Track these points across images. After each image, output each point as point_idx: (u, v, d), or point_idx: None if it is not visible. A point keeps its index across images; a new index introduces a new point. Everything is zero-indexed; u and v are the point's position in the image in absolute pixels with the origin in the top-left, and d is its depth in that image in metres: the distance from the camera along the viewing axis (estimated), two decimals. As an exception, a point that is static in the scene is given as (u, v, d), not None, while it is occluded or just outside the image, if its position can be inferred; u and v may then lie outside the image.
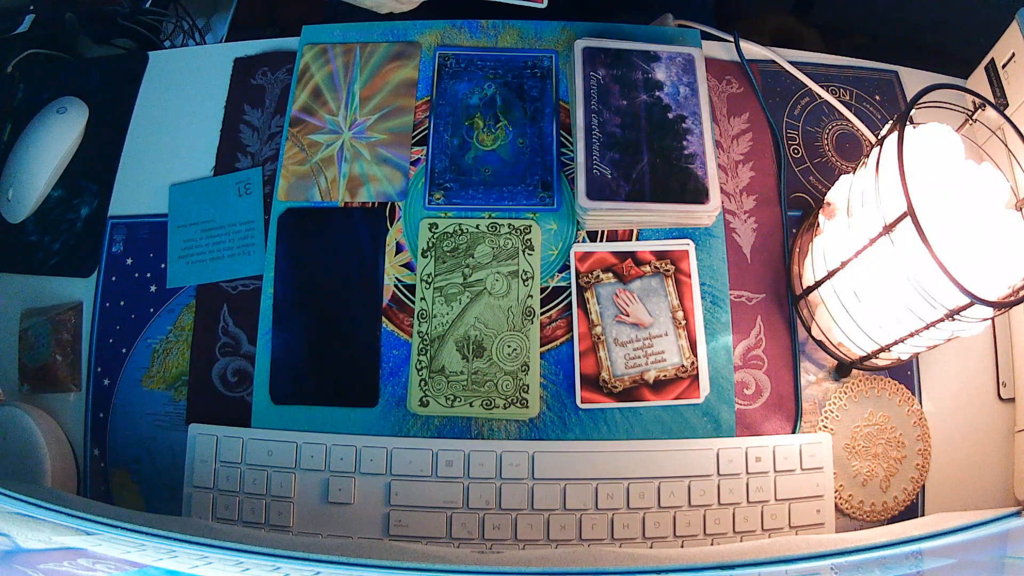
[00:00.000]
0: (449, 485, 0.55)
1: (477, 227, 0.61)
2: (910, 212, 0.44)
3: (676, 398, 0.56)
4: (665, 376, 0.57)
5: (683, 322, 0.58)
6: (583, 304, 0.58)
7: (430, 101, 0.65)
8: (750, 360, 0.59)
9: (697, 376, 0.57)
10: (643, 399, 0.56)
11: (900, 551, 0.46)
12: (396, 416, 0.57)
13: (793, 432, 0.58)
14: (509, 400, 0.57)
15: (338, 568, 0.42)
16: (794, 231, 0.63)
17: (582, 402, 0.56)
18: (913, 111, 0.48)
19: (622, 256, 0.59)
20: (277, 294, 0.60)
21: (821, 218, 0.58)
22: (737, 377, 0.58)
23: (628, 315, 0.57)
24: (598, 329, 0.57)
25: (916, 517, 0.57)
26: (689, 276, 0.59)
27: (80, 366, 0.61)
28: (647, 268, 0.59)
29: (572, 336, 0.58)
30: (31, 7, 0.82)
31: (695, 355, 0.57)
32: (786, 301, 0.61)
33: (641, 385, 0.57)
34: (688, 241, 0.60)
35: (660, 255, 0.59)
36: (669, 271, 0.59)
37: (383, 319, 0.59)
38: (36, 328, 0.62)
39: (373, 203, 0.62)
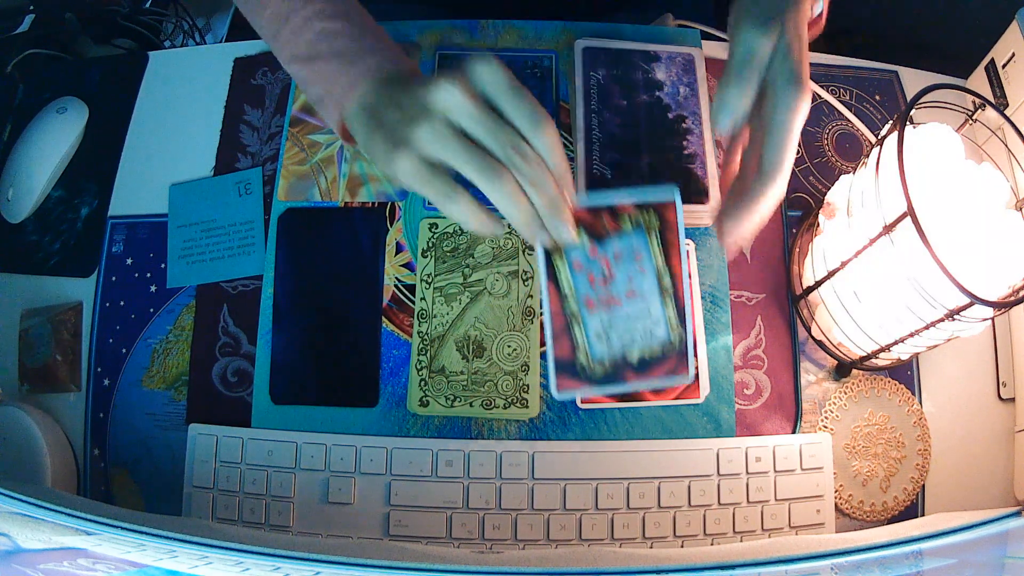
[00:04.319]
0: (449, 485, 0.55)
1: (477, 227, 0.61)
2: (910, 212, 0.44)
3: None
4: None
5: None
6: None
7: (430, 101, 0.65)
8: (750, 360, 0.59)
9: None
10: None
11: (900, 551, 0.46)
12: (396, 416, 0.57)
13: (793, 432, 0.58)
14: (509, 400, 0.57)
15: (338, 568, 0.42)
16: (794, 231, 0.63)
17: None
18: (913, 111, 0.48)
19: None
20: (277, 294, 0.60)
21: (821, 218, 0.58)
22: (737, 377, 0.58)
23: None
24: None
25: (916, 517, 0.57)
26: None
27: (80, 366, 0.61)
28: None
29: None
30: (31, 7, 0.82)
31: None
32: (786, 301, 0.61)
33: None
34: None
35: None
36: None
37: (383, 319, 0.59)
38: (36, 328, 0.63)
39: (373, 203, 0.62)
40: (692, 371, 0.49)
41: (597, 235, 0.47)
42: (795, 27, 0.47)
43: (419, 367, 0.58)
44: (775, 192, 0.45)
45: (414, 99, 0.44)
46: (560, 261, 0.47)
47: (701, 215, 0.60)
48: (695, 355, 0.50)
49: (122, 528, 0.44)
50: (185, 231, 0.63)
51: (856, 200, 0.51)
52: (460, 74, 0.43)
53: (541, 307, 0.50)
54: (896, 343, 0.52)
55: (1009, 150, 0.57)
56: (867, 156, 0.52)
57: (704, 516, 0.55)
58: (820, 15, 0.53)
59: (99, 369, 0.61)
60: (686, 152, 0.61)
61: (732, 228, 0.47)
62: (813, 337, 0.59)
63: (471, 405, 0.57)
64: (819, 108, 0.67)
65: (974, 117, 0.54)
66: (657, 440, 0.56)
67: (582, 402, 0.56)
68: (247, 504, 0.55)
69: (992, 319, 0.51)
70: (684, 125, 0.62)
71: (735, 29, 0.47)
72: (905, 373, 0.60)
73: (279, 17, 0.53)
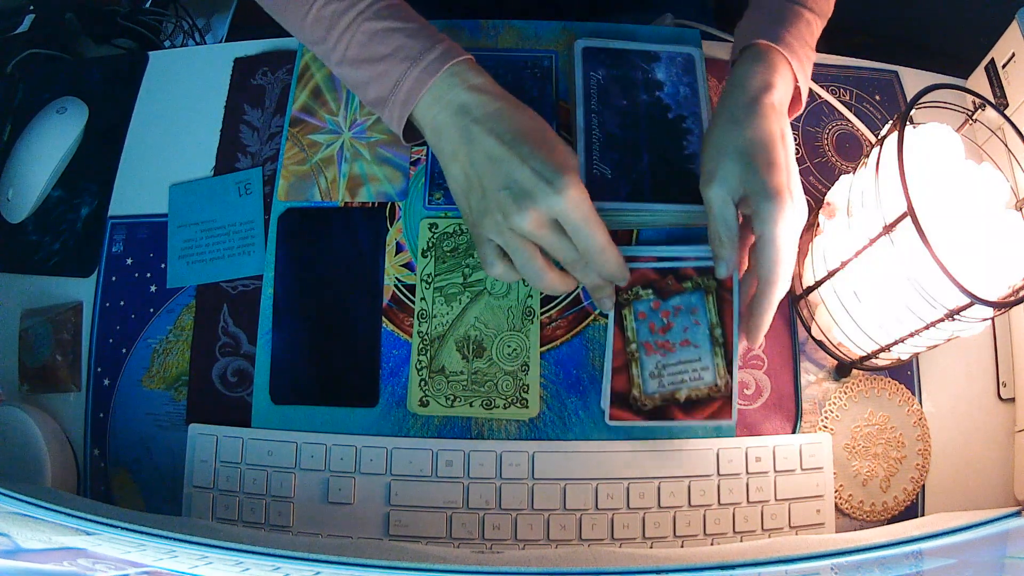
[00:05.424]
0: (449, 485, 0.55)
1: (477, 227, 0.61)
2: (910, 212, 0.44)
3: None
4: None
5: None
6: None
7: (430, 101, 0.65)
8: (750, 360, 0.59)
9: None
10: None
11: (900, 551, 0.46)
12: (396, 416, 0.57)
13: (793, 432, 0.58)
14: (509, 400, 0.57)
15: (338, 568, 0.42)
16: (794, 231, 0.63)
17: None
18: (913, 111, 0.48)
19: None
20: (277, 294, 0.60)
21: (821, 218, 0.58)
22: (737, 377, 0.58)
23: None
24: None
25: (916, 517, 0.57)
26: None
27: (80, 366, 0.61)
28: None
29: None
30: (31, 7, 0.82)
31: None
32: (786, 301, 0.61)
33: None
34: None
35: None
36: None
37: (383, 319, 0.59)
38: (36, 328, 0.63)
39: (373, 203, 0.62)
40: (735, 415, 0.54)
41: (661, 293, 0.56)
42: (760, 138, 0.49)
43: (419, 367, 0.58)
44: (778, 296, 0.50)
45: (508, 215, 0.48)
46: (627, 311, 0.55)
47: (701, 215, 0.59)
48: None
49: (122, 528, 0.44)
50: (185, 231, 0.63)
51: (856, 200, 0.51)
52: (538, 204, 0.47)
53: (606, 347, 0.56)
54: (896, 343, 0.52)
55: (1009, 150, 0.57)
56: (867, 156, 0.52)
57: (704, 516, 0.55)
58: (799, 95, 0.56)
59: (99, 369, 0.61)
60: (686, 152, 0.61)
61: (751, 336, 0.53)
62: (813, 337, 0.59)
63: (471, 405, 0.57)
64: (819, 108, 0.67)
65: (974, 117, 0.54)
66: (657, 440, 0.56)
67: (611, 419, 0.55)
68: (247, 504, 0.55)
69: (992, 319, 0.51)
70: (684, 125, 0.62)
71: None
72: (905, 373, 0.60)
73: (323, 21, 0.51)
